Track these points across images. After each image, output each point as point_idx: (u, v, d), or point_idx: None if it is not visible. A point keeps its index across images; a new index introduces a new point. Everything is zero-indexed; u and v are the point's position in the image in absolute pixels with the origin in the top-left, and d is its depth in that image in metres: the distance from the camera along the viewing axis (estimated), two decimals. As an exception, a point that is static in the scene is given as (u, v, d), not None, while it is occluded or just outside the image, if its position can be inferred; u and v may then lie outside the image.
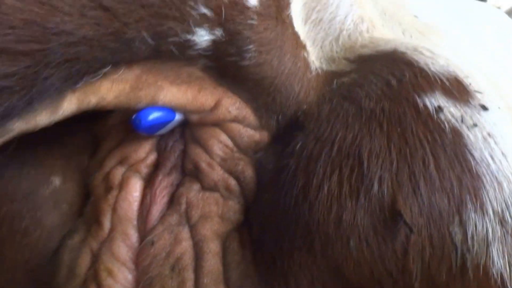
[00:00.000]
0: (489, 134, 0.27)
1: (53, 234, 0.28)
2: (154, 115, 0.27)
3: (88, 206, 0.29)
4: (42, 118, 0.23)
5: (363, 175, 0.25)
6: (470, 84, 0.29)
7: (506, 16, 0.52)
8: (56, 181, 0.29)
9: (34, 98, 0.21)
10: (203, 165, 0.29)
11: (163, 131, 0.28)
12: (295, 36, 0.30)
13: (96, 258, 0.27)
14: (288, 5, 0.30)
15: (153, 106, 0.27)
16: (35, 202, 0.28)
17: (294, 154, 0.27)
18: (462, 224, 0.25)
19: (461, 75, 0.30)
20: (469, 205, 0.25)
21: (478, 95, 0.29)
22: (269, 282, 0.26)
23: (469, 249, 0.25)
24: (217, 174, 0.28)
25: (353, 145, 0.26)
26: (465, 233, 0.25)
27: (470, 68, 0.32)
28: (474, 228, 0.25)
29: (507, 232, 0.26)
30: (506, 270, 0.25)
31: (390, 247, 0.24)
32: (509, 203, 0.26)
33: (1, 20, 0.19)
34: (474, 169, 0.26)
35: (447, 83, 0.29)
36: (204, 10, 0.24)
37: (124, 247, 0.27)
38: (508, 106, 0.34)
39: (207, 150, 0.29)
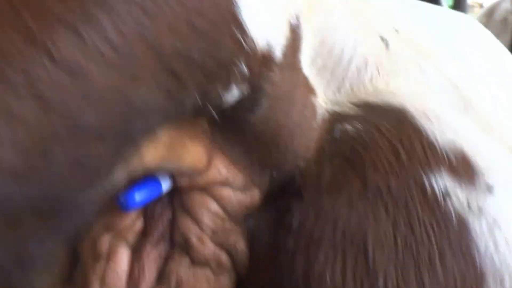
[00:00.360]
0: (494, 221, 0.27)
1: None
2: (141, 195, 0.25)
3: (78, 273, 0.27)
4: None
5: (368, 266, 0.24)
6: (476, 160, 0.28)
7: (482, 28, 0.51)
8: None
9: None
10: (194, 239, 0.27)
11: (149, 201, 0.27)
12: (305, 80, 0.29)
13: None
14: (299, 46, 0.28)
15: (139, 182, 0.25)
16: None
17: (291, 231, 0.26)
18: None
19: (468, 149, 0.29)
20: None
21: (484, 172, 0.28)
22: None
23: None
24: (208, 249, 0.27)
25: (358, 229, 0.25)
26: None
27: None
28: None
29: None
30: None
31: None
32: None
33: None
34: (478, 264, 0.25)
35: (454, 161, 0.28)
36: (244, 68, 0.22)
37: None
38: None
39: (197, 221, 0.27)
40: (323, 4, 0.32)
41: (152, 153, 0.23)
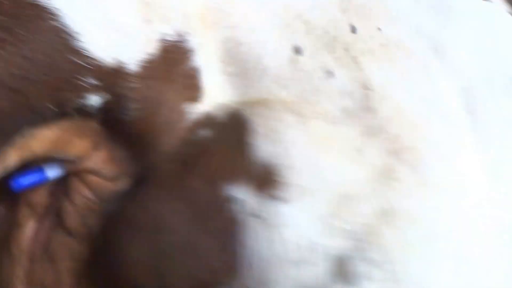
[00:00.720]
0: (268, 226, 0.33)
1: None
2: (26, 180, 0.36)
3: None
4: None
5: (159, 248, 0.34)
6: (284, 175, 0.34)
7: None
8: None
9: None
10: (66, 213, 0.37)
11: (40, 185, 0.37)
12: (184, 88, 0.36)
13: (9, 275, 0.39)
14: (183, 60, 0.36)
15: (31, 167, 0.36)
16: None
17: (123, 216, 0.36)
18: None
19: (284, 165, 0.35)
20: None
21: (284, 187, 0.34)
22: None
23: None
24: (74, 222, 0.36)
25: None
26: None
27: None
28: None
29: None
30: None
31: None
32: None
33: None
34: (238, 255, 0.33)
35: (261, 174, 0.34)
36: (91, 80, 0.32)
37: (21, 271, 0.38)
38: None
39: (70, 200, 0.37)
40: (230, 21, 0.38)
41: (39, 144, 0.34)
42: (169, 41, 0.35)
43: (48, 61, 0.30)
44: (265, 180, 0.34)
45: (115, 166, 0.37)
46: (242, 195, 0.34)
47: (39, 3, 0.31)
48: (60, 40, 0.31)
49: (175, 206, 0.34)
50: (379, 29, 0.42)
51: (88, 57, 0.31)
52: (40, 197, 0.38)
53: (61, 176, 0.38)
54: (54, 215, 0.38)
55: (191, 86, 0.36)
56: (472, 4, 0.48)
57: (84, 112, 0.33)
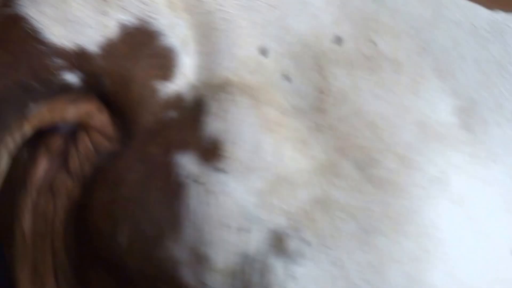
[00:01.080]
0: (208, 190, 0.39)
1: None
2: None
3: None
4: (17, 136, 0.43)
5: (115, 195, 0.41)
6: (228, 149, 0.40)
7: None
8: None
9: None
10: (69, 156, 0.45)
11: None
12: (154, 68, 0.43)
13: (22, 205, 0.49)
14: (151, 42, 0.43)
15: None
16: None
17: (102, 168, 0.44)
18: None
19: (224, 139, 0.40)
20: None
21: (226, 160, 0.39)
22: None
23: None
24: (74, 165, 0.45)
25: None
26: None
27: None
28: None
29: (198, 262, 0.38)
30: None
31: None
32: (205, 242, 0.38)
33: None
34: (179, 213, 0.38)
35: (208, 146, 0.40)
36: (58, 60, 0.41)
37: (30, 202, 0.48)
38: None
39: (76, 147, 0.45)
40: (204, 8, 0.44)
41: (45, 115, 0.44)
42: (130, 26, 0.43)
43: (25, 51, 0.41)
44: (210, 152, 0.40)
45: (113, 128, 0.44)
46: (188, 162, 0.40)
47: (15, 13, 0.42)
48: (31, 36, 0.42)
49: (133, 165, 0.41)
50: (372, 42, 0.45)
51: (51, 44, 0.42)
52: (56, 142, 0.47)
53: (73, 128, 0.46)
54: (62, 158, 0.47)
55: (161, 66, 0.43)
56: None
57: (69, 88, 0.42)
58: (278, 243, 0.39)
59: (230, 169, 0.39)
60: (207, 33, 0.44)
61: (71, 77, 0.42)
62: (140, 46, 0.43)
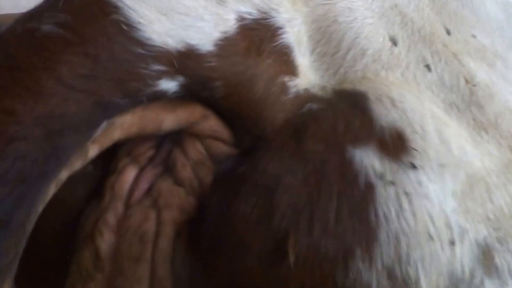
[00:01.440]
0: (405, 193, 0.30)
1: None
2: None
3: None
4: (77, 165, 0.32)
5: (271, 206, 0.30)
6: (412, 140, 0.31)
7: None
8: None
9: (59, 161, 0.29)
10: (179, 164, 0.36)
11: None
12: (279, 63, 0.35)
13: (96, 221, 0.38)
14: (272, 37, 0.35)
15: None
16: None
17: (234, 175, 0.33)
18: (346, 270, 0.29)
19: (407, 129, 0.32)
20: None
21: (415, 155, 0.31)
22: (197, 269, 0.34)
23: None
24: (186, 173, 0.36)
25: (275, 177, 0.31)
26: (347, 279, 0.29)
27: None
28: (359, 276, 0.29)
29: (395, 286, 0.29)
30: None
31: (275, 273, 0.30)
32: (403, 260, 0.29)
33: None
34: (372, 224, 0.29)
35: (387, 137, 0.31)
36: (157, 67, 0.30)
37: (113, 216, 0.37)
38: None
39: (185, 154, 0.36)
40: None
41: (124, 132, 0.33)
42: (249, 18, 0.34)
43: (111, 55, 0.29)
44: (391, 144, 0.31)
45: (227, 131, 0.35)
46: (367, 157, 0.31)
47: None
48: (122, 32, 0.30)
49: (287, 166, 0.31)
50: (473, 36, 0.41)
51: (151, 45, 0.30)
52: (144, 149, 0.37)
53: (175, 135, 0.37)
54: (161, 165, 0.37)
55: (285, 62, 0.34)
56: None
57: (162, 96, 0.32)
58: (486, 259, 0.30)
59: (421, 164, 0.31)
60: (325, 28, 0.37)
61: (169, 85, 0.31)
62: (261, 42, 0.34)
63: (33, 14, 0.32)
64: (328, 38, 0.37)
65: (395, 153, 0.31)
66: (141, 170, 0.38)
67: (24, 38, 0.30)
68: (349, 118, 0.32)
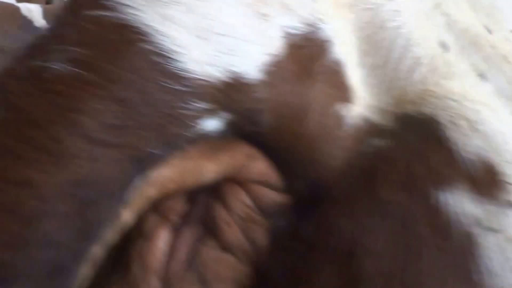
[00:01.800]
0: (508, 240, 0.25)
1: None
2: None
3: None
4: (110, 237, 0.26)
5: (352, 274, 0.25)
6: (503, 173, 0.26)
7: None
8: None
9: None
10: (222, 223, 0.30)
11: None
12: (330, 86, 0.29)
13: None
14: (320, 54, 0.29)
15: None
16: None
17: (298, 236, 0.28)
18: None
19: (496, 160, 0.27)
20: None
21: (510, 189, 0.26)
22: None
23: None
24: (233, 234, 0.30)
25: (350, 238, 0.26)
26: None
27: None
28: None
29: None
30: None
31: None
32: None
33: None
34: (474, 281, 0.24)
35: (474, 172, 0.26)
36: (198, 104, 0.25)
37: None
38: None
39: (227, 207, 0.30)
40: (370, 1, 0.32)
41: (161, 190, 0.28)
42: (296, 34, 0.28)
43: (143, 97, 0.24)
44: (483, 180, 0.26)
45: (277, 175, 0.30)
46: (459, 200, 0.26)
47: (125, 23, 0.24)
48: (153, 65, 0.24)
49: (368, 223, 0.26)
50: (511, 31, 0.37)
51: (191, 77, 0.25)
52: (174, 203, 0.31)
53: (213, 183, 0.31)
54: (199, 224, 0.31)
55: (337, 84, 0.29)
56: None
57: (205, 138, 0.27)
58: None
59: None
60: (373, 36, 0.32)
61: (212, 124, 0.26)
62: (311, 60, 0.28)
63: (35, 49, 0.26)
64: (376, 47, 0.32)
65: (488, 191, 0.26)
66: (175, 231, 0.32)
67: (30, 82, 0.24)
68: (425, 154, 0.27)
